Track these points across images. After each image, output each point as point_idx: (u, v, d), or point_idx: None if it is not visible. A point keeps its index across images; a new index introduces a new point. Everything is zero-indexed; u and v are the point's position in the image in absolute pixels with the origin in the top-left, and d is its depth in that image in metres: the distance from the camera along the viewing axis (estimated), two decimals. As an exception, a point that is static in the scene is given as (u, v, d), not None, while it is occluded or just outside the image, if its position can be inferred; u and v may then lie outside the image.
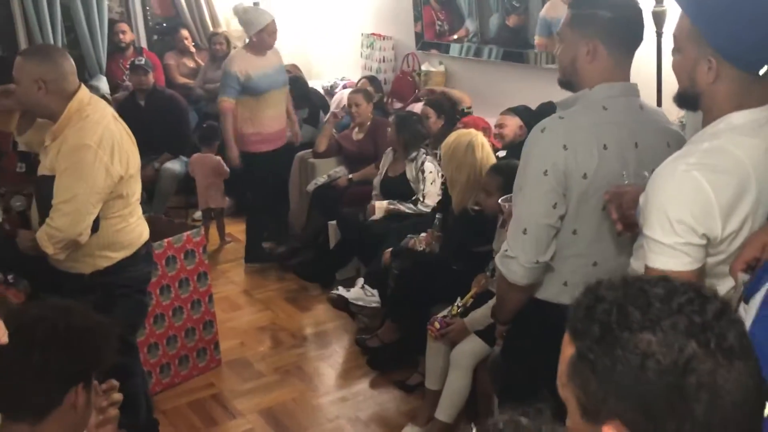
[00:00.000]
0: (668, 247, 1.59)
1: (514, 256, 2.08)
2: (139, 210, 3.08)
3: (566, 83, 2.15)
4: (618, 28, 2.04)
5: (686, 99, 1.74)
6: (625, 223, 1.87)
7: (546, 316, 2.17)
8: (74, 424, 1.68)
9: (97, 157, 2.76)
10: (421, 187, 4.51)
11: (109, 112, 2.95)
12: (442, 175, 4.26)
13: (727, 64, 1.61)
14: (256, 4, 6.39)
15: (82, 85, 2.90)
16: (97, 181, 2.76)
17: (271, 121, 5.11)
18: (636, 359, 0.91)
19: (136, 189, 3.00)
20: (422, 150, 4.59)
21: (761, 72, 1.58)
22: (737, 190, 1.58)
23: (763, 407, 0.95)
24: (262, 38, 4.92)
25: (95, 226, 2.83)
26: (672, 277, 1.00)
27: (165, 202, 5.87)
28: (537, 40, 4.79)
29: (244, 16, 5.00)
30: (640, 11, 2.08)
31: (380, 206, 4.60)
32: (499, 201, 2.71)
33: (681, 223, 1.57)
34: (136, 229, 3.03)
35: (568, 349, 0.99)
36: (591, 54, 2.03)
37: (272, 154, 5.19)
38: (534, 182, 2.03)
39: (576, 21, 2.06)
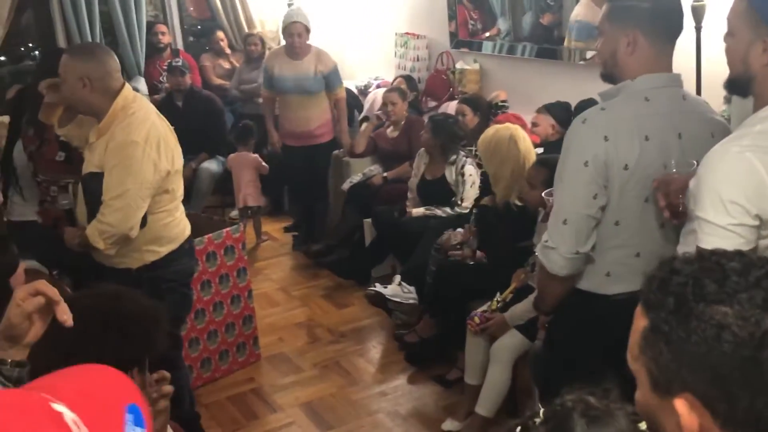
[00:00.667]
0: (721, 228, 1.59)
1: (555, 247, 2.08)
2: (182, 206, 3.13)
3: (608, 76, 2.15)
4: (657, 17, 2.04)
5: (738, 84, 1.75)
6: (673, 211, 1.88)
7: (589, 307, 2.18)
8: None
9: (145, 153, 2.81)
10: (461, 189, 4.48)
11: (153, 109, 3.01)
12: (482, 174, 4.26)
13: None
14: (290, 4, 6.45)
15: (126, 83, 2.96)
16: (146, 176, 2.81)
17: (296, 122, 5.35)
18: (711, 331, 0.90)
19: (180, 184, 3.06)
20: (462, 153, 4.55)
21: None
22: None
23: None
24: (285, 37, 5.19)
25: (143, 221, 2.89)
26: (749, 252, 1.00)
27: (202, 201, 5.93)
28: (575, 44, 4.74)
29: (285, 14, 5.29)
30: (678, 1, 2.08)
31: (417, 212, 4.59)
32: (543, 194, 2.70)
33: (734, 203, 1.58)
34: (181, 224, 3.09)
35: (640, 322, 0.99)
36: (631, 45, 2.03)
37: (303, 150, 5.34)
38: (574, 173, 2.04)
39: (615, 13, 2.07)
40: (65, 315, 1.46)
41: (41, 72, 3.39)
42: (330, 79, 5.26)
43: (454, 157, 4.54)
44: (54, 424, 0.77)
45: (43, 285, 1.48)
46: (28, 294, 1.46)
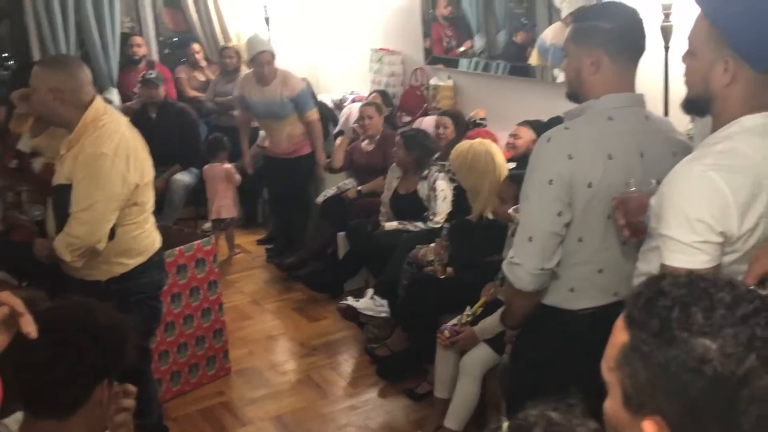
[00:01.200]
0: (687, 246, 1.62)
1: (520, 263, 2.10)
2: (152, 218, 3.12)
3: (573, 95, 2.18)
4: (620, 38, 2.07)
5: (696, 104, 1.78)
6: (632, 229, 1.91)
7: (554, 322, 2.20)
8: (100, 420, 1.71)
9: (113, 166, 2.80)
10: (433, 204, 4.51)
11: (124, 121, 3.00)
12: (455, 188, 4.28)
13: (743, 64, 1.65)
14: (266, 18, 6.46)
15: (97, 96, 2.95)
16: (114, 189, 2.81)
17: (272, 141, 5.51)
18: (693, 363, 0.90)
19: (150, 197, 3.05)
20: (434, 168, 4.58)
21: None
22: (752, 189, 1.61)
23: None
24: (253, 68, 5.24)
25: (112, 234, 2.88)
26: (738, 281, 0.98)
27: (175, 213, 5.91)
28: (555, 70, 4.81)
29: (247, 43, 5.39)
30: (640, 21, 2.11)
31: (390, 226, 4.61)
32: (510, 211, 2.74)
33: (700, 221, 1.60)
34: (150, 236, 3.08)
35: (621, 335, 0.98)
36: (595, 65, 2.06)
37: (284, 162, 5.44)
38: (539, 191, 2.06)
39: (578, 34, 2.11)
40: (29, 327, 1.44)
41: (16, 83, 3.37)
42: (298, 103, 5.30)
43: (426, 171, 4.57)
44: None
45: (7, 296, 1.46)
46: None
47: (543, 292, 2.18)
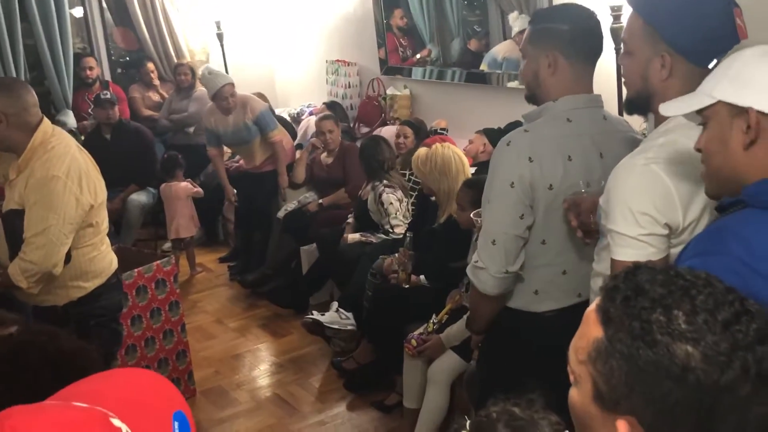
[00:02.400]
0: (633, 239, 1.63)
1: (484, 267, 2.10)
2: (107, 239, 3.07)
3: (531, 97, 2.19)
4: (576, 39, 2.08)
5: (637, 103, 1.79)
6: (585, 230, 1.92)
7: (519, 324, 2.20)
8: None
9: (66, 188, 2.74)
10: (386, 219, 4.46)
11: (73, 142, 2.93)
12: (416, 194, 4.27)
13: (680, 58, 1.67)
14: (219, 34, 6.43)
15: (44, 118, 2.88)
16: (68, 211, 2.74)
17: (246, 161, 5.56)
18: (675, 369, 0.89)
19: (104, 217, 3.00)
20: (384, 181, 4.52)
21: (711, 65, 1.64)
22: (694, 181, 1.61)
23: None
24: (217, 102, 5.23)
25: (67, 257, 2.81)
26: (715, 279, 0.97)
27: (133, 234, 5.82)
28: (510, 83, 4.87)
29: (203, 81, 5.38)
30: (598, 23, 2.12)
31: (353, 238, 4.58)
32: (471, 215, 2.74)
33: (644, 215, 1.61)
34: (107, 257, 3.02)
35: (594, 330, 0.96)
36: (552, 66, 2.07)
37: (250, 176, 5.50)
38: (501, 194, 2.06)
39: (535, 36, 2.11)
40: None
41: None
42: (260, 125, 5.31)
43: (377, 183, 4.54)
44: None
45: None
46: None
47: (507, 295, 2.18)
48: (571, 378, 1.02)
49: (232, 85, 5.23)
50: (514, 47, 4.80)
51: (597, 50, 2.14)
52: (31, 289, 2.79)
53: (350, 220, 4.82)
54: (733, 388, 0.88)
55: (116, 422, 0.79)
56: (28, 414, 0.82)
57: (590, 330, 0.97)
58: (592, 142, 2.09)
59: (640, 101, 1.78)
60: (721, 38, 1.66)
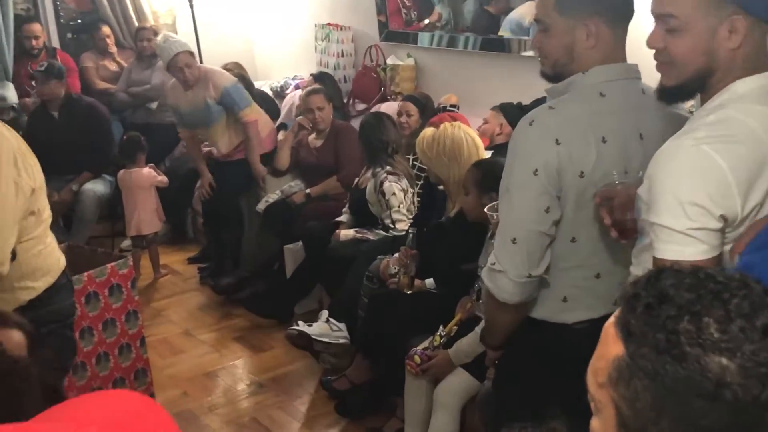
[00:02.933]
0: (681, 234, 1.62)
1: (503, 270, 2.09)
2: (50, 231, 3.07)
3: (555, 77, 2.15)
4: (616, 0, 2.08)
5: (691, 86, 1.76)
6: (620, 228, 1.91)
7: (545, 338, 2.19)
8: None
9: (1, 173, 2.75)
10: (386, 212, 4.47)
11: None
12: (421, 183, 4.27)
13: (753, 20, 1.66)
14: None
15: None
16: (8, 200, 2.74)
17: (213, 147, 5.56)
18: (708, 386, 0.89)
19: (46, 204, 3.00)
20: (387, 167, 4.54)
21: None
22: (755, 161, 1.61)
23: None
24: (173, 74, 5.24)
25: (11, 254, 2.81)
26: (752, 279, 0.97)
27: (86, 229, 5.82)
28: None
29: (157, 49, 5.45)
30: None
31: (346, 235, 4.58)
32: (486, 210, 2.72)
33: (694, 205, 1.59)
34: (54, 252, 3.03)
35: (613, 347, 0.98)
36: (593, 36, 2.05)
37: (215, 166, 5.50)
38: (523, 183, 2.05)
39: (566, 4, 2.07)
40: None
41: None
42: (226, 103, 5.30)
43: (379, 169, 4.55)
44: None
45: None
46: None
47: (530, 304, 2.17)
48: (592, 406, 1.03)
49: (190, 53, 5.24)
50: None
51: (632, 9, 2.13)
52: None
53: (344, 214, 4.81)
54: None
55: None
56: None
57: (609, 348, 0.99)
58: (630, 120, 2.08)
59: (695, 84, 1.74)
60: None
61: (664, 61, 1.75)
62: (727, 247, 1.65)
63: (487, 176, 3.16)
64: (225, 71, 5.51)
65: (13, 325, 2.43)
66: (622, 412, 0.97)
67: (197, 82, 5.24)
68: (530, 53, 4.77)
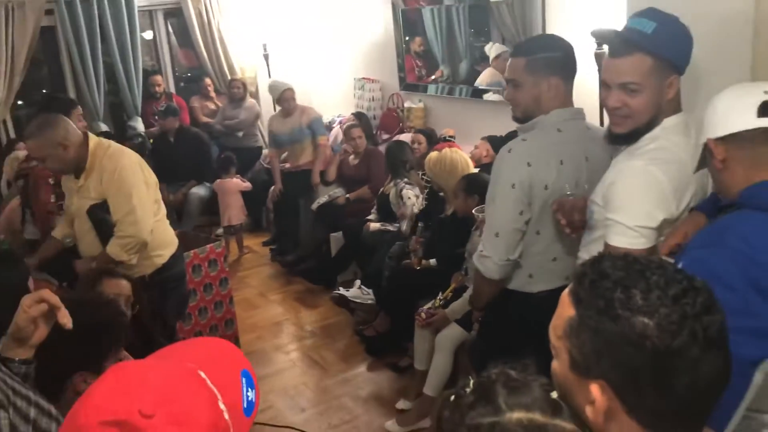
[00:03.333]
0: (629, 229, 1.62)
1: (489, 256, 2.08)
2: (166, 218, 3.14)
3: (525, 119, 2.11)
4: (567, 63, 2.06)
5: (643, 130, 1.73)
6: (571, 226, 1.91)
7: (515, 303, 2.18)
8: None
9: (134, 173, 2.84)
10: (405, 210, 4.42)
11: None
12: (427, 191, 4.25)
13: (677, 75, 1.69)
14: (265, 55, 6.42)
15: (86, 130, 3.01)
16: (142, 191, 2.83)
17: (292, 161, 5.54)
18: (634, 337, 0.89)
19: (160, 196, 3.06)
20: (404, 179, 4.49)
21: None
22: (683, 175, 1.62)
23: (727, 384, 0.94)
24: (280, 104, 5.36)
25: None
26: (667, 262, 0.97)
27: (192, 221, 5.82)
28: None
29: (270, 87, 5.51)
30: (572, 48, 2.11)
31: (374, 227, 4.54)
32: (474, 211, 2.71)
33: (643, 210, 1.61)
34: (169, 229, 3.10)
35: (567, 310, 0.97)
36: (553, 89, 2.03)
37: (292, 174, 5.48)
38: (504, 194, 2.03)
39: (533, 66, 2.03)
40: (65, 319, 1.42)
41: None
42: (313, 128, 5.38)
43: (399, 180, 4.51)
44: (204, 387, 0.81)
45: (46, 293, 1.44)
46: (33, 301, 1.43)
47: (507, 279, 2.16)
48: (553, 352, 1.01)
49: (292, 90, 5.35)
50: (494, 73, 4.85)
51: (576, 70, 2.12)
52: (131, 260, 2.85)
53: (372, 213, 4.79)
54: (683, 352, 0.88)
55: (202, 374, 0.82)
56: (138, 366, 0.85)
57: (565, 310, 0.97)
58: (580, 148, 2.06)
59: (645, 129, 1.73)
60: (689, 45, 1.70)
61: (622, 115, 1.72)
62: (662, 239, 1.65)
63: (471, 184, 3.18)
64: (314, 109, 5.57)
65: (119, 275, 2.44)
66: (574, 357, 0.96)
67: (295, 112, 5.33)
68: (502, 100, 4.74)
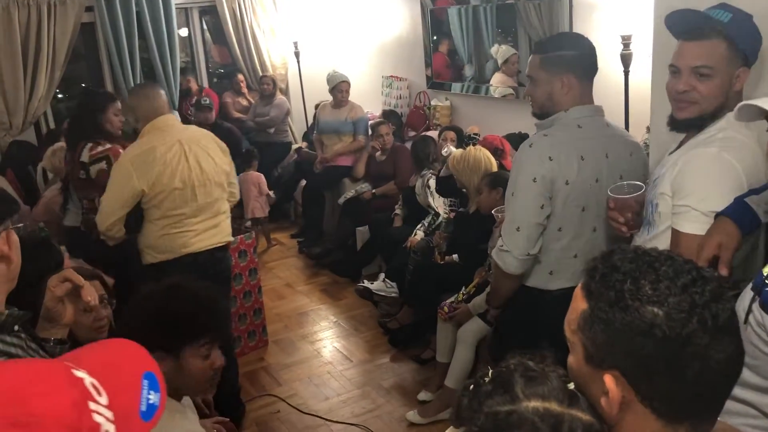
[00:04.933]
0: (704, 215, 1.60)
1: (509, 250, 2.07)
2: None
3: (542, 116, 2.12)
4: (583, 61, 2.05)
5: (707, 118, 1.72)
6: (629, 225, 1.87)
7: (535, 300, 2.16)
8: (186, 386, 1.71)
9: (118, 170, 2.95)
10: (431, 200, 4.44)
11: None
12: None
13: (747, 68, 1.68)
14: (296, 53, 6.45)
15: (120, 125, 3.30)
16: (115, 186, 2.94)
17: (327, 152, 5.58)
18: (644, 326, 0.89)
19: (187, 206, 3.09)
20: (429, 170, 4.51)
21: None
22: (756, 164, 1.62)
23: (740, 372, 0.93)
24: (333, 93, 5.49)
25: None
26: (675, 254, 0.96)
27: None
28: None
29: (328, 76, 5.61)
30: (593, 47, 2.10)
31: (419, 236, 4.32)
32: (493, 212, 2.70)
33: (719, 195, 1.58)
34: (181, 238, 3.08)
35: (580, 304, 0.97)
36: (566, 87, 2.03)
37: (317, 170, 5.55)
38: (525, 188, 2.02)
39: (548, 63, 2.05)
40: (89, 296, 1.46)
41: (82, 109, 3.41)
42: (356, 126, 5.47)
43: (424, 171, 4.52)
44: (73, 386, 0.74)
45: (69, 272, 1.47)
46: (58, 281, 1.46)
47: (525, 275, 2.15)
48: (569, 346, 1.01)
49: (348, 83, 5.49)
50: (504, 77, 4.92)
51: (596, 68, 2.11)
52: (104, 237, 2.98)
53: (398, 207, 4.80)
54: (693, 340, 0.87)
55: (78, 373, 0.75)
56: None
57: (578, 304, 0.98)
58: (599, 144, 2.05)
59: (710, 117, 1.71)
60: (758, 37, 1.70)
61: (689, 99, 1.71)
62: None
63: (495, 180, 3.19)
64: (362, 108, 5.62)
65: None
66: (587, 348, 0.96)
67: (345, 105, 5.45)
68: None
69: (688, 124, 1.74)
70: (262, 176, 5.70)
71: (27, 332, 1.37)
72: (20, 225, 1.40)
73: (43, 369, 0.75)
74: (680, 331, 0.88)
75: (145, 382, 0.81)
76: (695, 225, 1.60)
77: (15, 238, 1.34)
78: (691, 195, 1.61)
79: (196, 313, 1.70)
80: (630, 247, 0.98)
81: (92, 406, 0.73)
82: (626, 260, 0.94)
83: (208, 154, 3.02)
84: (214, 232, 3.04)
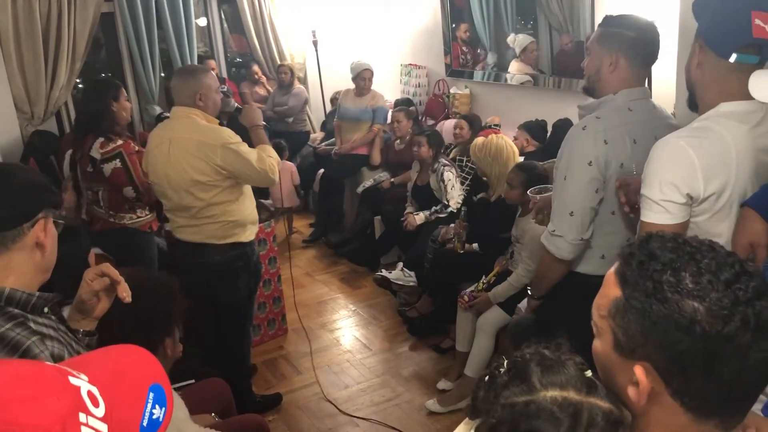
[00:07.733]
0: (655, 203, 1.57)
1: (561, 235, 2.04)
2: None
3: (589, 89, 2.10)
4: (638, 45, 2.01)
5: (690, 97, 1.70)
6: (631, 206, 1.86)
7: (586, 288, 2.12)
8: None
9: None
10: (445, 193, 4.43)
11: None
12: (470, 173, 4.21)
13: (707, 50, 1.58)
14: (314, 42, 6.45)
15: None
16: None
17: (343, 140, 5.60)
18: (683, 321, 0.86)
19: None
20: (441, 161, 4.47)
21: (731, 60, 1.53)
22: (718, 157, 1.55)
23: None
24: (356, 81, 5.48)
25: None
26: (718, 245, 0.93)
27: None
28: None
29: (352, 64, 5.60)
30: (658, 34, 2.04)
31: (420, 218, 4.44)
32: (528, 192, 2.65)
33: (668, 183, 1.55)
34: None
35: (613, 290, 0.94)
36: (613, 65, 2.00)
37: (329, 158, 5.54)
38: (579, 172, 1.99)
39: (603, 37, 2.03)
40: (125, 293, 1.47)
41: (95, 99, 3.40)
42: (375, 114, 5.46)
43: (436, 165, 4.48)
44: (64, 394, 0.67)
45: (107, 267, 1.47)
46: (95, 275, 1.47)
47: (575, 260, 2.11)
48: (594, 330, 0.99)
49: (371, 71, 5.48)
50: (522, 66, 4.85)
51: (654, 57, 2.06)
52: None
53: (409, 208, 4.72)
54: (734, 338, 0.85)
55: (75, 381, 0.69)
56: None
57: (610, 290, 0.94)
58: (649, 127, 2.02)
59: (690, 94, 1.69)
60: (734, 31, 1.52)
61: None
62: (699, 218, 1.58)
63: (531, 178, 3.07)
64: (383, 97, 5.62)
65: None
66: (618, 337, 0.93)
67: (367, 93, 5.45)
68: (550, 88, 4.67)
69: (688, 102, 1.73)
70: (294, 166, 5.73)
71: (56, 314, 1.39)
72: (63, 215, 1.40)
73: (34, 372, 0.68)
74: (721, 329, 0.85)
75: (151, 395, 0.76)
76: (649, 213, 1.58)
77: (52, 227, 1.35)
78: (644, 182, 1.60)
79: (165, 309, 1.80)
80: (668, 234, 0.95)
81: (83, 417, 0.67)
82: (666, 249, 0.91)
83: (187, 162, 2.90)
84: (194, 230, 2.96)
